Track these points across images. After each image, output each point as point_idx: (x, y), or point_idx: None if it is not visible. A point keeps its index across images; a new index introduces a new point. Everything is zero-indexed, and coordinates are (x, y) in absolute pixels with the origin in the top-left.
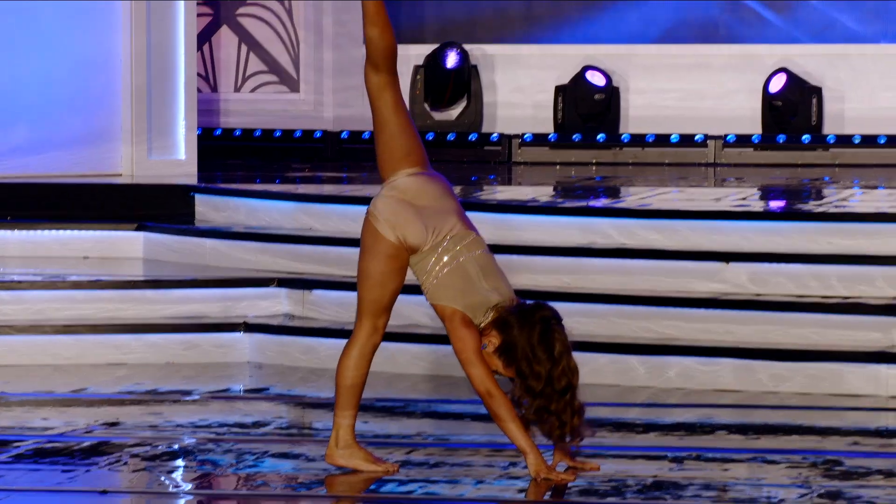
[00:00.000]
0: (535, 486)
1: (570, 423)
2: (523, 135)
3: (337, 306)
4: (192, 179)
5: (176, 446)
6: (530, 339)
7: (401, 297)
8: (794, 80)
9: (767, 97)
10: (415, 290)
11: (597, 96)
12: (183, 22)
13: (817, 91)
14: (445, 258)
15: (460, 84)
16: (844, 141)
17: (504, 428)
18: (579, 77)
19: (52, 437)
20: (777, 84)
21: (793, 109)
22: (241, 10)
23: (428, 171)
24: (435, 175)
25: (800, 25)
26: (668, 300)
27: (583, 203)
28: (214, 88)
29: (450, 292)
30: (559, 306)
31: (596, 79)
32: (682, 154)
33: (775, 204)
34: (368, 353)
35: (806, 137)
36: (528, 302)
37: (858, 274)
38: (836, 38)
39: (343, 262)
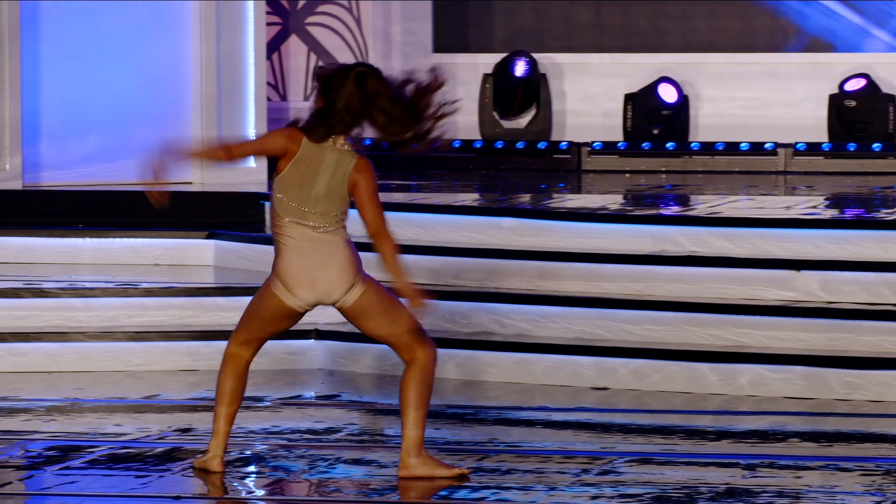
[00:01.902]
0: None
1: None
2: (592, 143)
3: None
4: (263, 187)
5: (248, 452)
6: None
7: (471, 305)
8: (871, 85)
9: (842, 95)
10: (484, 297)
11: (665, 112)
12: (253, 31)
13: (892, 99)
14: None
15: (529, 92)
16: None
17: (391, 260)
18: (651, 88)
19: (126, 442)
20: (854, 85)
21: (867, 116)
22: (310, 19)
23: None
24: None
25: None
26: (739, 308)
27: (653, 211)
28: (284, 97)
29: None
30: (629, 314)
31: (668, 94)
32: (751, 162)
33: (846, 212)
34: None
35: (877, 146)
36: None
37: None
38: None
39: (416, 270)
